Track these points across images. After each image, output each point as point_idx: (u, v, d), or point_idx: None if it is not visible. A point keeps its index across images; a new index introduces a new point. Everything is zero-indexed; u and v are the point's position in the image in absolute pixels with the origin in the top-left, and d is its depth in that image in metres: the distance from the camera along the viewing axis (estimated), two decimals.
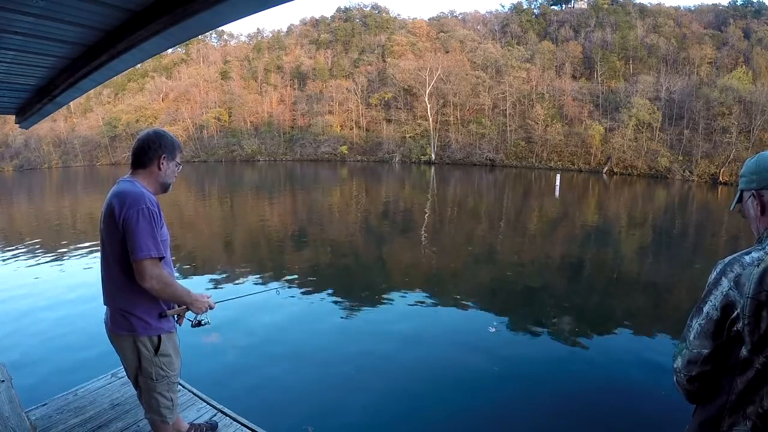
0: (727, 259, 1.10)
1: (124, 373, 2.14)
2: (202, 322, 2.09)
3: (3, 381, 2.55)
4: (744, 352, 1.01)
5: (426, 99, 45.45)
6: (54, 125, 50.66)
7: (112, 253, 1.85)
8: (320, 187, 27.23)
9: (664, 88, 37.52)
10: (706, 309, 1.09)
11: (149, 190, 1.92)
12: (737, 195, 1.26)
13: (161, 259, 1.83)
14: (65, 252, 10.34)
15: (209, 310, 2.08)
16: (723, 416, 1.07)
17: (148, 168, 1.95)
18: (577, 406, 4.26)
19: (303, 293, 7.45)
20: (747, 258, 1.06)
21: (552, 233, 13.77)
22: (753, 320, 0.98)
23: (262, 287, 7.58)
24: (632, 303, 7.40)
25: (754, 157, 1.21)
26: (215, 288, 7.65)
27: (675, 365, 1.17)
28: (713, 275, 1.10)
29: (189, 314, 2.06)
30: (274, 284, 7.87)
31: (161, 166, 1.96)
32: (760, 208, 1.16)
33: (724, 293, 1.04)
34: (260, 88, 56.29)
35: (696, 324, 1.11)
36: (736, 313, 1.02)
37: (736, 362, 1.03)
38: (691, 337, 1.12)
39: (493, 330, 5.92)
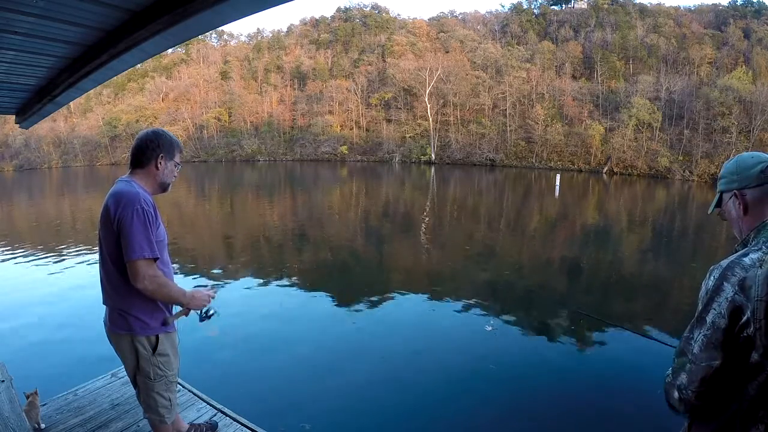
0: (724, 263, 1.04)
1: (124, 373, 2.14)
2: (209, 314, 2.08)
3: (3, 381, 2.55)
4: (755, 356, 0.97)
5: (426, 99, 45.44)
6: (54, 125, 50.58)
7: (108, 254, 1.85)
8: (320, 187, 27.22)
9: (664, 88, 37.52)
10: (710, 318, 1.02)
11: (146, 190, 1.91)
12: (716, 198, 1.25)
13: (156, 259, 1.82)
14: (65, 251, 10.33)
15: (212, 300, 2.07)
16: (735, 425, 1.02)
17: (145, 168, 1.95)
18: (574, 406, 4.26)
19: (302, 293, 7.46)
20: (746, 260, 1.01)
21: (551, 233, 13.76)
22: (766, 323, 0.94)
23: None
24: (631, 303, 7.40)
25: (733, 159, 1.21)
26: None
27: (678, 382, 1.08)
28: (711, 282, 1.05)
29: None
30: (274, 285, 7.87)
31: (159, 165, 1.95)
32: (743, 208, 1.15)
33: (729, 299, 0.99)
34: (260, 88, 56.24)
35: (700, 335, 1.03)
36: (745, 317, 0.97)
37: (747, 368, 0.99)
38: (696, 350, 1.04)
39: (490, 329, 5.93)
